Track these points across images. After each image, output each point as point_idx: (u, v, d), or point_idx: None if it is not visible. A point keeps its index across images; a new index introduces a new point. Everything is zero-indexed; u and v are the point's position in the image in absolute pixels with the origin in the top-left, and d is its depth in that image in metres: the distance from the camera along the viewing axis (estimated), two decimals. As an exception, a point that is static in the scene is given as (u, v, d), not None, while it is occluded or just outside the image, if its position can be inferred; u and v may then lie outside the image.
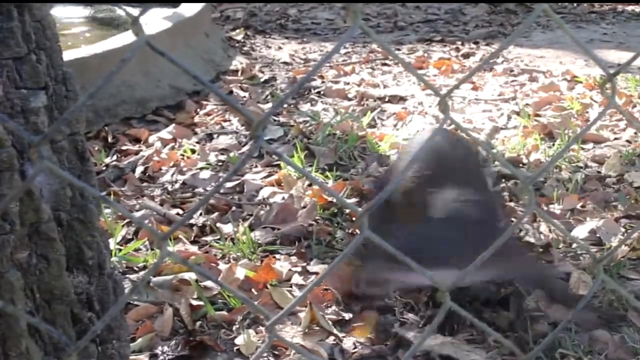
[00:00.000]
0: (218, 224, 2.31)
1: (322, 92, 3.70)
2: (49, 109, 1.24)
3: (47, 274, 1.21)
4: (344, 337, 1.82)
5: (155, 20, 3.62)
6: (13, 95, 1.20)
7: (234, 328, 1.85)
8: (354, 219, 2.35)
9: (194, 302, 1.91)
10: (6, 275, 1.15)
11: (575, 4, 6.18)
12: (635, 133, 3.10)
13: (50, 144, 1.24)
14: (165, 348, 1.75)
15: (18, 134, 1.17)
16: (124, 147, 2.92)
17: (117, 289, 1.34)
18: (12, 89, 1.20)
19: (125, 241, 2.23)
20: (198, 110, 3.37)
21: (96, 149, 2.86)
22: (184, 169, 2.75)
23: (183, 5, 4.01)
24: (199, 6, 4.01)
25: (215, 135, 3.10)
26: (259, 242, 2.22)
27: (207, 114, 3.32)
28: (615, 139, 3.09)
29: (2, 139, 1.14)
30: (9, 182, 1.15)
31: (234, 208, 2.43)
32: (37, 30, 1.23)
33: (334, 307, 1.93)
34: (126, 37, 3.31)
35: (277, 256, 2.15)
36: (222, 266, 2.08)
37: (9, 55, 1.19)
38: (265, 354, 1.73)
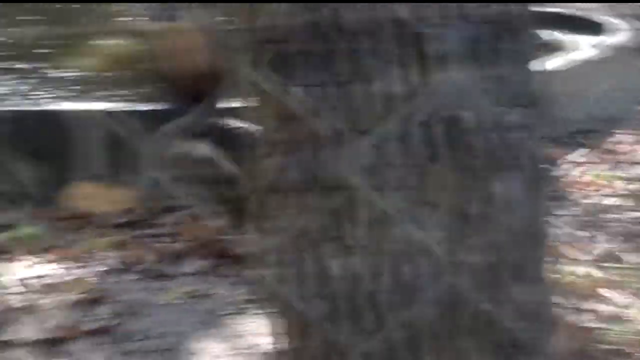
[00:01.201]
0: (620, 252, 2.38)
1: None
2: (522, 127, 1.37)
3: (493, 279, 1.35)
4: None
5: (584, 47, 3.78)
6: (491, 111, 1.35)
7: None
8: None
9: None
10: (456, 278, 1.30)
11: None
12: None
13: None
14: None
15: (491, 148, 1.32)
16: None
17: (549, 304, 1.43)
18: (492, 105, 1.35)
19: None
20: (609, 137, 3.44)
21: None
22: (590, 194, 2.85)
23: (609, 34, 4.10)
24: (623, 36, 4.10)
25: (623, 164, 3.15)
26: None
27: (618, 143, 3.38)
28: None
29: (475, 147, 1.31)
30: (482, 193, 1.30)
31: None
32: (521, 50, 1.37)
33: None
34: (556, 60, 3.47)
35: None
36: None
37: (501, 74, 1.33)
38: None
